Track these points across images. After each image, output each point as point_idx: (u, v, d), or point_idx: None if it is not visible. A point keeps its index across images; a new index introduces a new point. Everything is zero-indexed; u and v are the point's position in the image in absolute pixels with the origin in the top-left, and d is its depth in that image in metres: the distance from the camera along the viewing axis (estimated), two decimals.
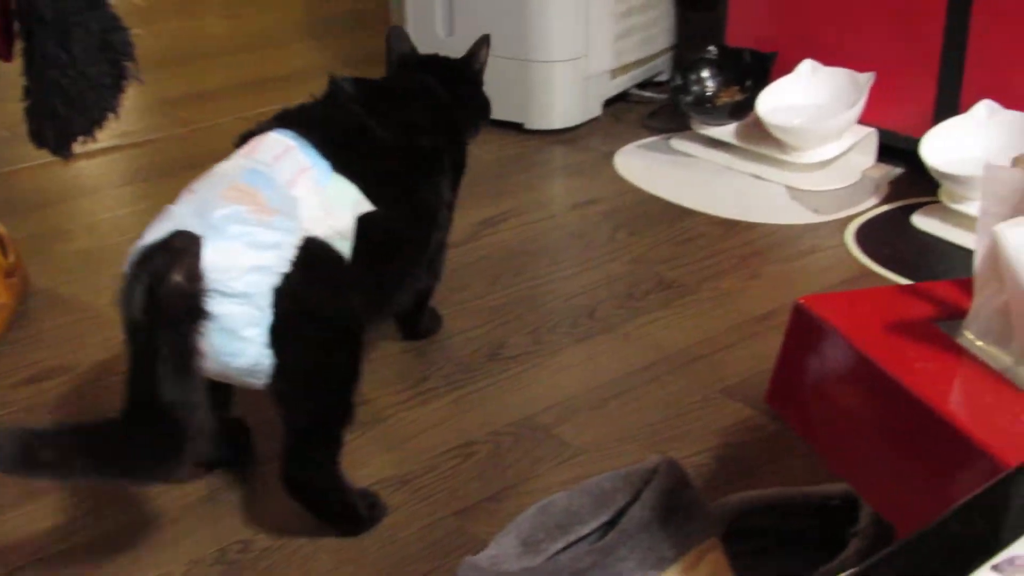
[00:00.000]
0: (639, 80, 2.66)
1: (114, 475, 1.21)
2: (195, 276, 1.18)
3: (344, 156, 1.36)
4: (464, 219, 2.11)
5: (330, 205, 1.32)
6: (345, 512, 1.36)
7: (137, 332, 1.18)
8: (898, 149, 2.24)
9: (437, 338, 1.76)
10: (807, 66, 2.28)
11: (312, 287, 1.26)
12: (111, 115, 1.65)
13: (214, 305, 1.19)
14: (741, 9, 2.45)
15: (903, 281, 1.88)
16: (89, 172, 2.34)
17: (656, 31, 2.63)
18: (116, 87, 1.65)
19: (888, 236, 2.03)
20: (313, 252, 1.27)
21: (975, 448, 0.83)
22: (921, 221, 2.06)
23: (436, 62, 1.69)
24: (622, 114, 2.60)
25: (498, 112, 2.40)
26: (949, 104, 2.13)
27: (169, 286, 1.16)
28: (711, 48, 2.42)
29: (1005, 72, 2.07)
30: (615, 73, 2.55)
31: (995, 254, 0.86)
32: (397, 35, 1.70)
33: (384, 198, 1.38)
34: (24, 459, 1.12)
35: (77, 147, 1.65)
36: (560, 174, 2.37)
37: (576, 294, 1.88)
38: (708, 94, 2.42)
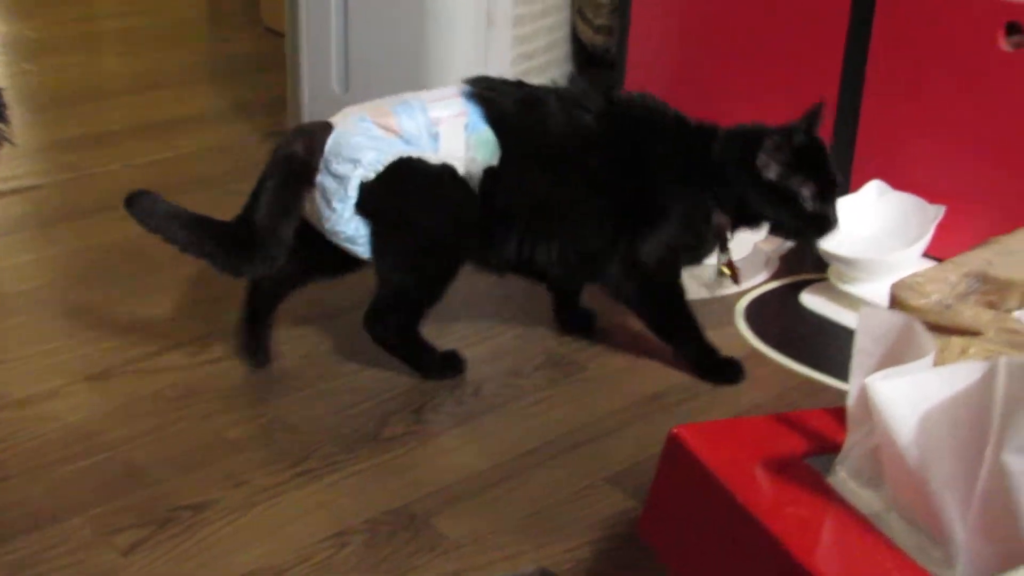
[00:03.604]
0: None
1: (206, 255, 1.66)
2: (312, 151, 1.66)
3: (508, 122, 1.69)
4: (348, 283, 2.07)
5: (473, 145, 1.67)
6: (414, 363, 1.79)
7: (264, 177, 1.67)
8: None
9: (319, 415, 1.71)
10: None
11: (391, 196, 1.67)
12: None
13: (321, 177, 1.65)
14: (639, 70, 2.45)
15: (791, 364, 1.88)
16: None
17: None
18: None
19: (777, 315, 2.04)
20: (411, 173, 1.66)
21: None
22: (809, 300, 2.07)
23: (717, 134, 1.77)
24: None
25: None
26: None
27: (288, 150, 1.67)
28: None
29: (895, 152, 2.09)
30: None
31: (867, 402, 0.85)
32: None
33: (515, 169, 1.70)
34: (160, 220, 1.64)
35: None
36: None
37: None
38: None
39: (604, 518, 1.52)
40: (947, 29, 1.98)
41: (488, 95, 1.72)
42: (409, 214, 1.70)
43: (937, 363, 0.91)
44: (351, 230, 1.68)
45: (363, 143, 1.65)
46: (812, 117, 1.73)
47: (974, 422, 0.80)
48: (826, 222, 1.74)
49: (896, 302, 1.08)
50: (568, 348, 1.92)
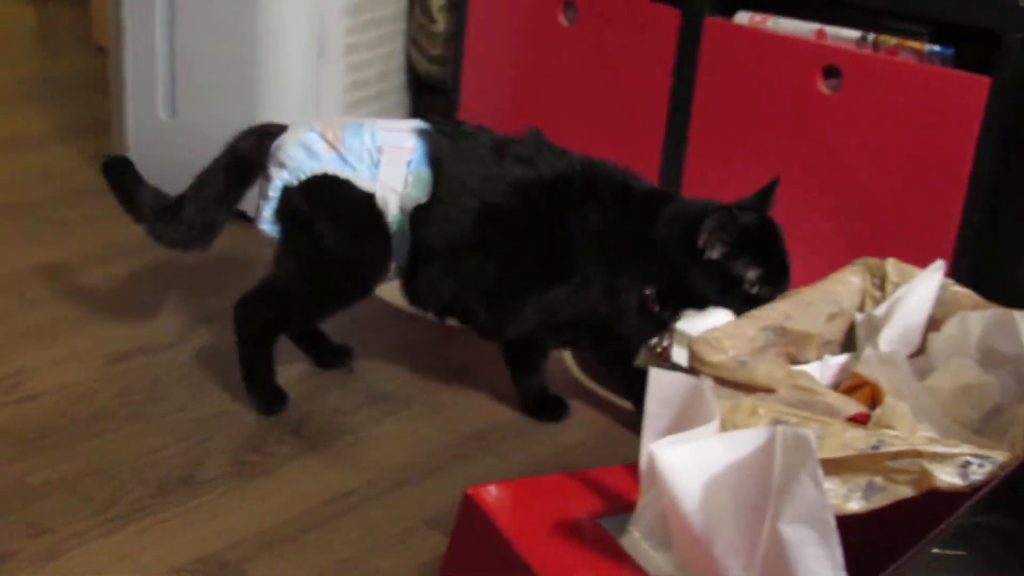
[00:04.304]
0: None
1: (141, 220, 1.80)
2: (257, 149, 1.75)
3: (444, 165, 1.70)
4: (170, 319, 2.02)
5: (410, 182, 1.69)
6: (249, 373, 1.80)
7: (209, 165, 1.78)
8: None
9: (130, 457, 1.65)
10: None
11: (305, 205, 1.71)
12: None
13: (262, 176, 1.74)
14: (472, 105, 2.44)
15: (616, 399, 1.89)
16: None
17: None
18: None
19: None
20: (331, 189, 1.70)
21: None
22: None
23: (657, 203, 1.70)
24: None
25: None
26: None
27: (235, 145, 1.78)
28: None
29: (720, 191, 2.11)
30: None
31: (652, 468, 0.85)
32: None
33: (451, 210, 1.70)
34: (120, 176, 1.82)
35: None
36: None
37: None
38: None
39: (421, 563, 1.50)
40: (769, 72, 2.02)
41: (436, 136, 1.72)
42: (317, 227, 1.71)
43: (727, 423, 0.92)
44: (271, 230, 1.74)
45: (297, 151, 1.71)
46: (764, 195, 1.65)
47: (756, 489, 0.81)
48: None
49: (695, 357, 1.08)
50: (393, 385, 1.89)
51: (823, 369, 1.25)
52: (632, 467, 1.03)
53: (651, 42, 2.16)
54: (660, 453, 0.83)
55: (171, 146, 2.36)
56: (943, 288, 1.31)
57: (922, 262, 1.55)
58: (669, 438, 0.84)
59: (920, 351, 1.29)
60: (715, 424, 0.86)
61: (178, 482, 1.61)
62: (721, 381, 1.06)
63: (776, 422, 0.92)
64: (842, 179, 1.99)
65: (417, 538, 1.54)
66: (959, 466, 0.94)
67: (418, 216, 1.71)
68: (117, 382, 1.83)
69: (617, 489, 1.00)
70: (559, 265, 1.70)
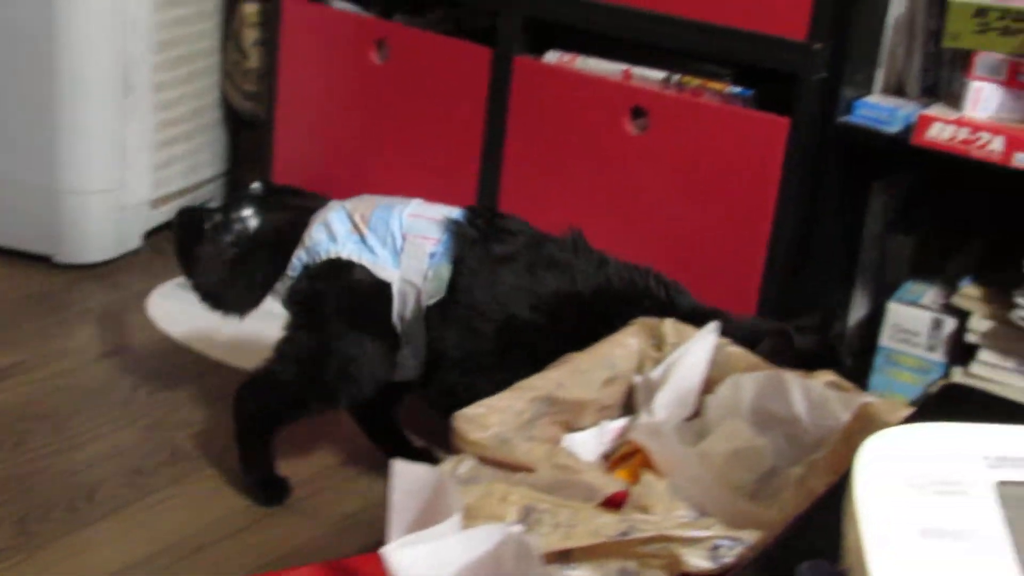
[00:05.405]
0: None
1: (187, 271, 1.78)
2: (296, 228, 1.68)
3: (476, 265, 1.58)
4: None
5: (429, 277, 1.59)
6: (246, 464, 1.72)
7: (254, 235, 1.96)
8: None
9: None
10: None
11: (313, 289, 1.63)
12: None
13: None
14: (288, 142, 2.39)
15: (432, 450, 1.86)
16: None
17: (204, 158, 2.53)
18: None
19: None
20: (340, 275, 1.62)
21: None
22: None
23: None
24: (165, 246, 2.45)
25: (23, 243, 2.24)
26: None
27: (273, 222, 1.85)
28: (256, 185, 2.35)
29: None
30: (157, 203, 2.42)
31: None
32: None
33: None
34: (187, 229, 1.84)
35: None
36: (87, 317, 2.20)
37: (78, 470, 1.74)
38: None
39: None
40: (579, 112, 2.02)
41: (466, 229, 1.60)
42: (319, 315, 1.63)
43: (476, 512, 0.90)
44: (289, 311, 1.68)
45: (319, 232, 1.64)
46: (826, 316, 1.56)
47: None
48: None
49: (457, 435, 1.06)
50: (198, 440, 1.83)
51: (601, 435, 1.24)
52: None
53: (464, 80, 2.14)
54: (393, 556, 0.80)
55: None
56: (718, 349, 1.30)
57: (730, 298, 1.54)
58: (405, 538, 0.81)
59: (697, 414, 1.28)
60: (455, 520, 0.84)
61: None
62: (484, 460, 1.03)
63: (526, 511, 0.90)
64: (652, 217, 1.99)
65: None
66: (709, 549, 0.93)
67: (433, 317, 1.60)
68: None
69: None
70: None
